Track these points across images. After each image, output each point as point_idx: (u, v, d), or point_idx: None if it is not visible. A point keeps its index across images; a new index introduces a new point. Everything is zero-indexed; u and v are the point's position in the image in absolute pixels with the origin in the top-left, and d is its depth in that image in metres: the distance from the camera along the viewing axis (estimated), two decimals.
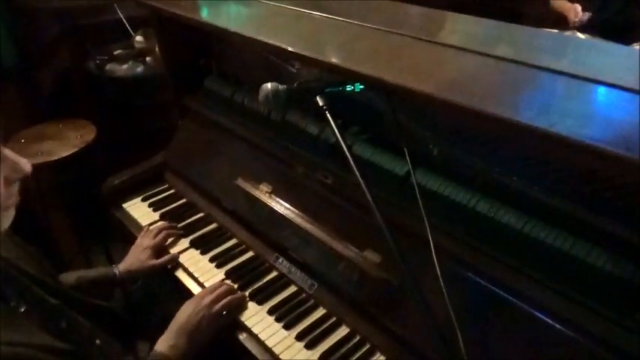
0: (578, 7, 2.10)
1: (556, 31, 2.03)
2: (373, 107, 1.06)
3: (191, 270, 1.17)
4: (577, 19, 2.08)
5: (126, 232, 1.35)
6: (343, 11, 1.16)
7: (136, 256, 1.18)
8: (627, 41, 2.09)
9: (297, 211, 1.13)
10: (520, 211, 0.85)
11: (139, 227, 1.31)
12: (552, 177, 0.83)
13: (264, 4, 1.30)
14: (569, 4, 2.16)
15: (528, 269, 0.82)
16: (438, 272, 0.78)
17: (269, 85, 0.88)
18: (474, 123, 0.88)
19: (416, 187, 0.85)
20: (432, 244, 0.79)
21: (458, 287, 0.86)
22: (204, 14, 1.27)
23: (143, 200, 1.41)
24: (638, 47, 2.06)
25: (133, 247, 1.21)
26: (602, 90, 0.82)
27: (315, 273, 1.07)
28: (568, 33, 2.02)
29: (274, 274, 1.13)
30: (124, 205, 1.41)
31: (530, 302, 0.81)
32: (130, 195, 1.43)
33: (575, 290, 0.78)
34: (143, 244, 1.20)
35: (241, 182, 1.24)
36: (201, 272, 1.16)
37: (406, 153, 0.89)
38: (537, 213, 0.84)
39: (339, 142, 0.80)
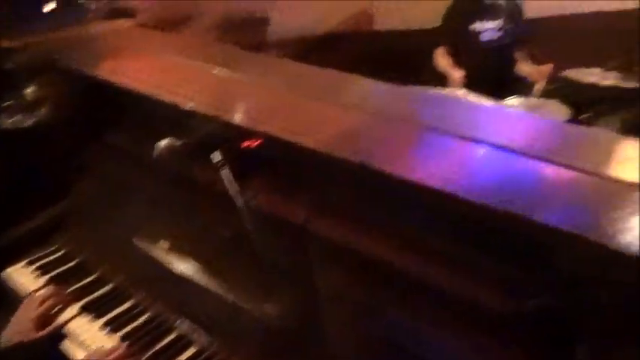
0: (458, 73, 2.34)
1: (441, 88, 2.25)
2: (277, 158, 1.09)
3: (81, 338, 1.08)
4: (458, 78, 2.32)
5: (9, 300, 1.23)
6: (243, 69, 1.21)
7: (18, 329, 1.08)
8: (503, 96, 2.36)
9: (196, 267, 1.11)
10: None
11: (24, 294, 1.21)
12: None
13: (163, 58, 1.31)
14: (450, 64, 2.41)
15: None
16: (339, 321, 0.80)
17: (163, 142, 0.88)
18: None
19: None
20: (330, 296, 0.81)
21: (360, 335, 0.89)
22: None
23: (29, 264, 1.31)
24: (512, 101, 2.33)
25: (13, 317, 1.11)
26: (476, 146, 0.91)
27: (216, 330, 1.05)
28: (451, 90, 2.23)
29: (174, 334, 1.09)
30: (8, 270, 1.29)
31: None
32: (14, 258, 1.32)
33: None
34: (26, 315, 1.10)
35: (138, 240, 1.19)
36: (93, 340, 1.08)
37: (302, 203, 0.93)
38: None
39: (235, 196, 0.81)
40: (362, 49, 2.59)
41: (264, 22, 2.51)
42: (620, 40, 2.47)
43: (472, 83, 2.39)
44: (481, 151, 0.89)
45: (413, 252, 0.89)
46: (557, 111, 2.28)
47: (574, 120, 2.24)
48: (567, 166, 0.81)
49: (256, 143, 0.94)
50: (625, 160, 0.86)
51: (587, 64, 2.54)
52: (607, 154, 0.92)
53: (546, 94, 2.47)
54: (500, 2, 2.52)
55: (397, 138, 0.93)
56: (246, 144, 0.95)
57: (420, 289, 0.87)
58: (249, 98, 1.06)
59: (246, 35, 2.42)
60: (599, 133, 1.67)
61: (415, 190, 0.76)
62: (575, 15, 3.16)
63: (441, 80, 2.38)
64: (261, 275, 1.01)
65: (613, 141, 1.11)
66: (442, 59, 2.51)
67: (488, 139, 0.90)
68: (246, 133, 0.94)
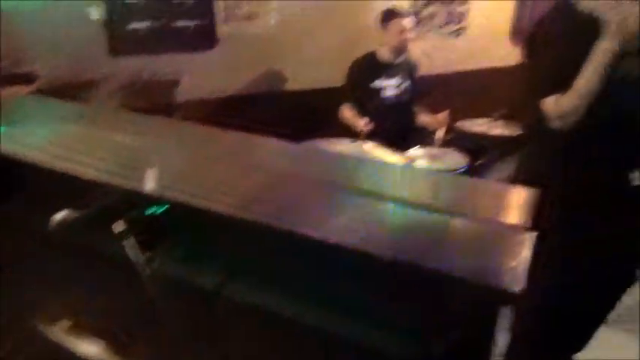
0: (362, 121, 2.48)
1: (348, 142, 2.36)
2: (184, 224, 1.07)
3: None
4: (363, 131, 2.46)
5: None
6: (148, 134, 1.20)
7: None
8: (407, 146, 2.52)
9: (101, 346, 1.04)
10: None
11: None
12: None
13: (61, 125, 1.27)
14: (355, 117, 2.56)
15: None
16: None
17: (61, 213, 0.84)
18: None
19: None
20: None
21: None
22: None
23: None
24: (415, 152, 2.49)
25: None
26: (379, 202, 0.97)
27: None
28: (358, 143, 2.35)
29: None
30: None
31: None
32: None
33: None
34: None
35: (36, 320, 1.10)
36: None
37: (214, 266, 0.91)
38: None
39: (141, 267, 0.79)
40: (272, 109, 2.67)
41: (172, 84, 2.52)
42: (503, 92, 2.77)
43: (377, 136, 2.54)
44: (383, 206, 0.94)
45: (324, 309, 0.91)
46: (456, 159, 2.48)
47: (470, 167, 2.44)
48: (460, 216, 0.89)
49: (162, 210, 0.93)
50: (512, 207, 0.96)
51: (477, 115, 2.81)
52: (496, 202, 1.02)
53: (445, 143, 2.69)
54: (397, 62, 2.74)
55: (303, 197, 0.96)
56: (151, 211, 0.93)
57: (333, 344, 0.88)
58: (153, 164, 1.05)
59: (154, 98, 2.40)
60: (487, 183, 1.83)
61: (324, 248, 0.79)
62: (465, 71, 3.52)
63: (349, 135, 2.50)
64: (172, 348, 0.97)
65: (501, 189, 1.23)
66: (348, 115, 2.65)
67: (390, 195, 0.96)
68: (150, 200, 0.92)
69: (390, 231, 0.86)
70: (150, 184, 0.95)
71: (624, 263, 1.70)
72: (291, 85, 2.82)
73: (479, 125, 2.73)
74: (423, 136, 2.75)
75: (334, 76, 2.78)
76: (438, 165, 2.40)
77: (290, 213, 0.88)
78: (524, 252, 0.77)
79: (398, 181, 1.18)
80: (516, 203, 0.97)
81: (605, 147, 1.54)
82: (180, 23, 2.49)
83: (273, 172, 1.02)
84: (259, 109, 2.60)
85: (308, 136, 2.50)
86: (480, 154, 2.66)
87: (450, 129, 2.75)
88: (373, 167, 1.35)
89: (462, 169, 2.37)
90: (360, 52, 2.76)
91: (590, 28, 1.42)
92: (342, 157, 1.65)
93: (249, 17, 2.64)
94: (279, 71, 2.80)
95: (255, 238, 0.98)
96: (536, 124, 1.64)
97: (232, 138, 1.31)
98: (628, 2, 1.38)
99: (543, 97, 1.51)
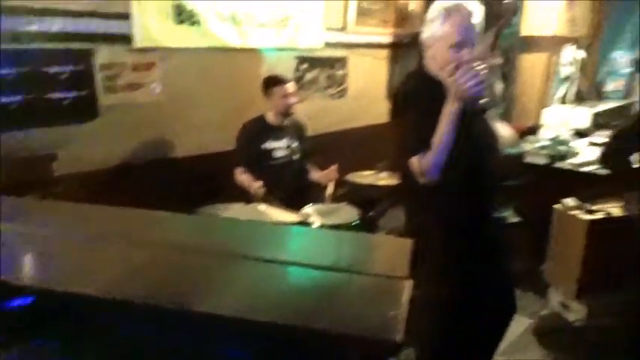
0: (257, 184, 2.51)
1: (242, 205, 2.36)
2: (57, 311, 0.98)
3: None
4: (257, 193, 2.48)
5: None
6: (17, 218, 1.11)
7: None
8: (300, 205, 2.58)
9: None
10: None
11: None
12: None
13: None
14: (249, 180, 2.58)
15: None
16: None
17: None
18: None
19: None
20: None
21: None
22: None
23: None
24: (309, 209, 2.55)
25: None
26: (271, 267, 0.97)
27: None
28: (253, 205, 2.36)
29: None
30: None
31: None
32: None
33: None
34: None
35: None
36: None
37: None
38: None
39: None
40: (161, 178, 2.60)
41: (49, 158, 2.37)
42: (384, 146, 2.97)
43: (272, 196, 2.57)
44: (273, 270, 0.95)
45: None
46: (348, 213, 2.58)
47: (363, 219, 2.55)
48: (346, 272, 0.93)
49: (29, 300, 0.85)
50: (393, 258, 1.02)
51: (364, 168, 2.97)
52: (379, 255, 1.07)
53: (337, 198, 2.79)
54: (284, 124, 2.84)
55: (192, 269, 0.94)
56: (17, 302, 0.85)
57: None
58: (21, 250, 0.97)
59: (30, 174, 2.23)
60: (372, 236, 1.93)
61: (208, 321, 0.77)
62: (349, 129, 3.74)
63: (243, 197, 2.51)
64: None
65: (384, 242, 1.30)
66: (242, 178, 2.66)
67: (281, 257, 0.97)
68: (16, 290, 0.85)
69: (279, 295, 0.87)
70: (16, 272, 0.87)
71: (502, 299, 1.85)
72: (180, 152, 2.79)
73: (366, 177, 2.88)
74: (315, 193, 2.84)
75: (224, 140, 2.81)
76: (332, 220, 2.47)
77: (174, 288, 0.85)
78: (403, 301, 0.81)
79: (289, 243, 1.20)
80: (397, 254, 1.03)
81: (467, 196, 1.71)
82: (57, 95, 2.38)
83: (161, 246, 0.99)
84: (146, 180, 2.52)
85: (201, 202, 2.46)
86: (371, 205, 2.80)
87: (340, 184, 2.87)
88: (264, 230, 1.37)
89: (355, 222, 2.47)
90: (248, 116, 2.83)
91: (441, 90, 1.59)
92: (234, 223, 1.65)
93: (132, 87, 2.60)
94: (166, 139, 2.76)
95: (137, 319, 0.93)
96: (407, 178, 1.78)
97: (114, 213, 1.25)
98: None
99: (410, 155, 1.62)
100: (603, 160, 2.60)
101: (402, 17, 4.18)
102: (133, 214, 1.25)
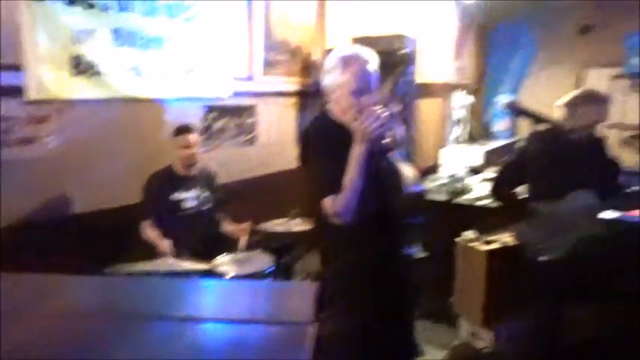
0: (165, 242, 2.43)
1: (150, 260, 2.27)
2: None
3: None
4: (166, 247, 2.40)
5: None
6: None
7: None
8: (213, 256, 2.52)
9: None
10: None
11: None
12: None
13: None
14: (157, 235, 2.49)
15: None
16: None
17: None
18: None
19: None
20: None
21: None
22: None
23: None
24: (221, 260, 2.50)
25: None
26: (178, 324, 0.94)
27: None
28: (162, 260, 2.28)
29: None
30: None
31: None
32: None
33: None
34: None
35: None
36: None
37: None
38: None
39: None
40: (63, 236, 2.43)
41: None
42: (296, 192, 3.02)
43: (183, 248, 2.49)
44: (180, 327, 0.92)
45: None
46: (262, 260, 2.56)
47: (277, 266, 2.54)
48: (254, 322, 0.92)
49: None
50: (306, 303, 1.03)
51: (277, 215, 2.99)
52: (288, 302, 1.08)
53: (250, 247, 2.77)
54: (193, 173, 2.80)
55: (95, 335, 0.88)
56: None
57: None
58: None
59: None
60: (282, 283, 1.93)
61: None
62: (261, 176, 3.77)
63: (151, 252, 2.41)
64: None
65: (294, 288, 1.31)
66: (149, 231, 2.56)
67: (189, 314, 0.95)
68: None
69: (184, 352, 0.84)
70: None
71: (408, 337, 1.92)
72: (83, 208, 2.63)
73: (280, 225, 2.90)
74: (228, 243, 2.80)
75: (130, 193, 2.70)
76: (246, 269, 2.44)
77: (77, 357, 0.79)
78: (307, 347, 0.82)
79: (199, 297, 1.17)
80: (307, 298, 1.05)
81: (377, 235, 1.79)
82: None
83: (62, 312, 0.92)
84: (47, 239, 2.34)
85: (106, 261, 2.32)
86: (285, 252, 2.80)
87: (253, 232, 2.86)
88: (173, 286, 1.32)
89: (270, 270, 2.46)
90: (155, 168, 2.76)
91: (346, 133, 1.68)
92: (141, 281, 1.58)
93: (27, 141, 2.44)
94: (68, 194, 2.60)
95: None
96: (320, 222, 1.83)
97: (7, 278, 1.15)
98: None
99: (322, 197, 1.68)
100: (493, 193, 2.84)
101: (307, 67, 4.38)
102: (30, 279, 1.15)
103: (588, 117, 2.46)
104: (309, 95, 4.25)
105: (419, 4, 4.57)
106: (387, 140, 1.72)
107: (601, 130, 2.67)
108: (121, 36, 2.73)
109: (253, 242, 2.85)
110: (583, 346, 2.69)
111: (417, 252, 2.98)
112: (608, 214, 2.79)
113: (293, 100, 4.22)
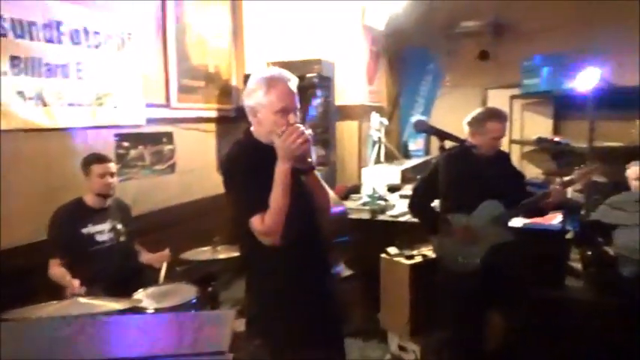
0: (76, 282, 2.26)
1: (59, 300, 2.09)
2: None
3: None
4: (77, 286, 2.23)
5: None
6: None
7: None
8: (132, 290, 2.39)
9: None
10: None
11: None
12: None
13: None
14: (66, 277, 2.31)
15: None
16: None
17: None
18: None
19: None
20: None
21: None
22: None
23: None
24: (141, 294, 2.38)
25: None
26: None
27: None
28: (73, 299, 2.11)
29: None
30: None
31: None
32: None
33: None
34: None
35: None
36: None
37: None
38: None
39: None
40: None
41: None
42: (219, 218, 2.96)
43: (97, 285, 2.34)
44: None
45: None
46: (186, 291, 2.46)
47: (200, 297, 2.45)
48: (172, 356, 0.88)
49: None
50: (225, 332, 1.00)
51: (201, 244, 2.90)
52: (207, 333, 1.04)
53: (173, 278, 2.66)
54: (106, 205, 2.65)
55: None
56: None
57: None
58: None
59: None
60: (198, 315, 1.88)
61: None
62: (182, 204, 3.66)
63: (60, 294, 2.23)
64: None
65: (215, 317, 1.27)
66: (56, 270, 2.39)
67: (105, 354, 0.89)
68: None
69: None
70: None
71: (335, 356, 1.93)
72: None
73: (204, 253, 2.81)
74: (148, 276, 2.67)
75: (35, 230, 2.50)
76: (168, 302, 2.33)
77: None
78: None
79: (113, 335, 1.10)
80: (228, 326, 1.02)
81: (303, 254, 1.80)
82: None
83: None
84: None
85: (8, 306, 2.11)
86: (210, 281, 2.72)
87: (175, 262, 2.75)
88: (87, 326, 1.23)
89: (193, 300, 2.37)
90: (63, 201, 2.58)
91: (269, 154, 1.70)
92: (48, 324, 1.46)
93: None
94: None
95: None
96: (246, 246, 1.80)
97: None
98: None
99: (250, 217, 1.67)
100: (410, 209, 2.96)
101: (226, 92, 4.36)
102: None
103: (492, 132, 2.66)
104: (230, 121, 4.23)
105: (333, 30, 4.74)
106: (311, 159, 1.75)
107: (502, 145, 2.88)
108: (19, 63, 2.56)
109: (176, 273, 2.74)
110: (503, 349, 2.85)
111: (343, 270, 3.01)
112: (517, 223, 3.01)
113: (213, 125, 4.17)
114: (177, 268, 2.77)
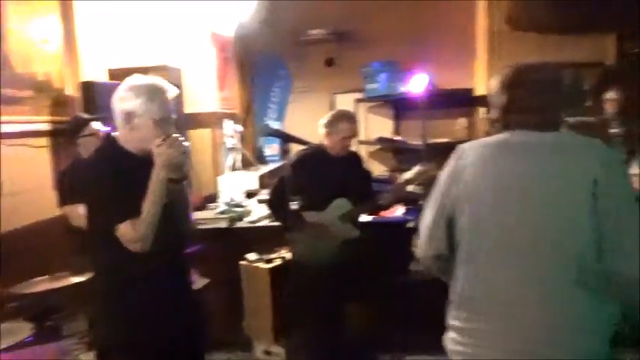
0: None
1: None
2: None
3: None
4: None
5: None
6: None
7: None
8: None
9: None
10: None
11: None
12: None
13: None
14: None
15: None
16: None
17: None
18: None
19: None
20: None
21: None
22: None
23: None
24: None
25: None
26: None
27: None
28: None
29: None
30: None
31: None
32: None
33: None
34: None
35: None
36: None
37: None
38: None
39: None
40: None
41: None
42: (59, 243, 2.68)
43: None
44: None
45: None
46: (20, 329, 2.20)
47: (39, 332, 2.21)
48: None
49: None
50: None
51: (35, 274, 2.59)
52: None
53: (7, 316, 2.34)
54: None
55: None
56: None
57: None
58: None
59: None
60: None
61: None
62: (6, 233, 3.22)
63: None
64: None
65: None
66: None
67: None
68: None
69: None
70: None
71: None
72: None
73: (40, 284, 2.51)
74: None
75: None
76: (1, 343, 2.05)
77: None
78: None
79: None
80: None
81: (162, 267, 1.78)
82: None
83: None
84: None
85: None
86: (49, 315, 2.44)
87: (5, 299, 2.42)
88: None
89: (29, 340, 2.12)
90: None
91: (135, 162, 1.71)
92: None
93: None
94: None
95: None
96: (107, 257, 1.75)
97: None
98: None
99: (118, 224, 1.66)
100: (268, 208, 3.02)
101: (60, 103, 3.95)
102: None
103: (342, 132, 2.82)
104: (66, 134, 3.84)
105: (180, 36, 4.60)
106: (186, 167, 1.81)
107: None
108: None
109: (9, 310, 2.41)
110: (361, 340, 3.04)
111: (198, 280, 2.93)
112: (365, 218, 3.23)
113: (45, 140, 3.74)
114: (9, 304, 2.44)
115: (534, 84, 1.46)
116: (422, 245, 1.57)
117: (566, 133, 1.46)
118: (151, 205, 1.67)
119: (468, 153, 1.49)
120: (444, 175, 1.54)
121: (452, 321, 1.50)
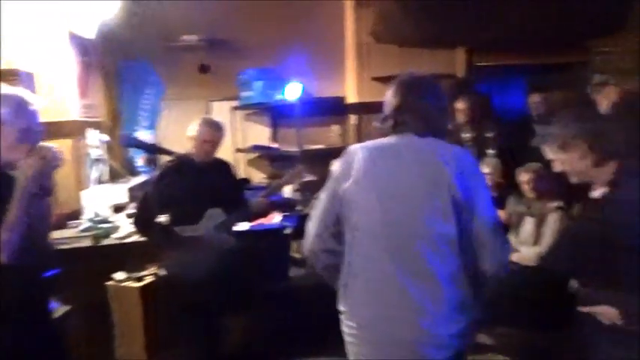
0: None
1: None
2: None
3: None
4: None
5: None
6: None
7: None
8: None
9: None
10: None
11: None
12: None
13: None
14: None
15: None
16: None
17: None
18: None
19: None
20: None
21: None
22: None
23: None
24: None
25: None
26: None
27: None
28: None
29: None
30: None
31: None
32: None
33: None
34: None
35: None
36: None
37: None
38: None
39: None
40: None
41: None
42: None
43: None
44: None
45: None
46: None
47: None
48: None
49: None
50: None
51: None
52: None
53: None
54: None
55: None
56: None
57: None
58: None
59: None
60: None
61: None
62: None
63: None
64: None
65: None
66: None
67: None
68: None
69: None
70: None
71: None
72: None
73: None
74: None
75: None
76: None
77: None
78: None
79: None
80: None
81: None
82: None
83: None
84: None
85: None
86: None
87: None
88: None
89: None
90: None
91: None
92: None
93: None
94: None
95: None
96: None
97: None
98: None
99: None
100: (135, 227, 2.84)
101: None
102: None
103: (201, 136, 2.76)
104: None
105: (32, 37, 4.13)
106: (52, 183, 1.82)
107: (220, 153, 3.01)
108: None
109: None
110: (244, 353, 2.98)
111: (59, 307, 2.65)
112: (240, 227, 3.18)
113: None
114: None
115: (420, 90, 1.63)
116: (310, 239, 1.66)
117: (435, 139, 1.63)
118: (15, 214, 1.63)
119: (358, 153, 1.61)
120: (334, 173, 1.66)
121: (341, 307, 1.63)
